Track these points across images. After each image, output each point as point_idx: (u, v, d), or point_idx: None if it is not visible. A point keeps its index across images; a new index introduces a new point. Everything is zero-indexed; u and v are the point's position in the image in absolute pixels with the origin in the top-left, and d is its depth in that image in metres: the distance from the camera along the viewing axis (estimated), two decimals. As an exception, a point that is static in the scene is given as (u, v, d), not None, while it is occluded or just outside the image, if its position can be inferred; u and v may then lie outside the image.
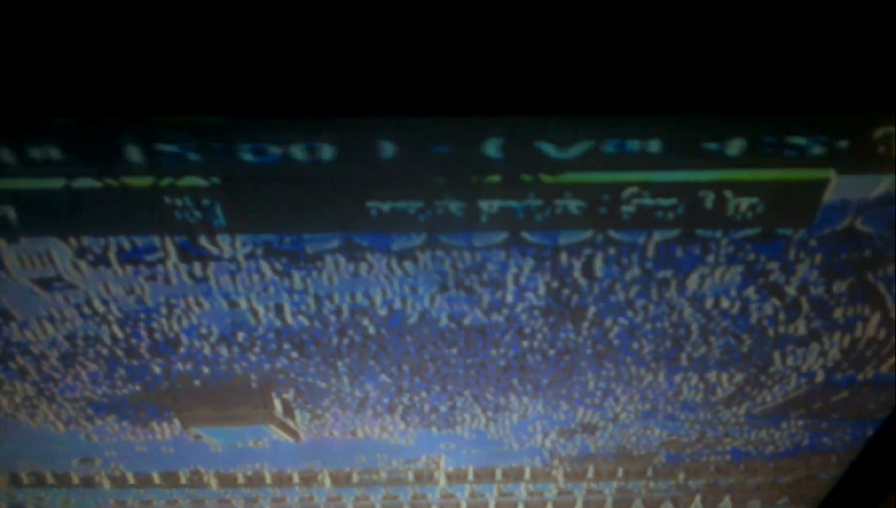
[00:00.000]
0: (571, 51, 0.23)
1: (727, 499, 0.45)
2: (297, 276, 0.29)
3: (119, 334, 0.32)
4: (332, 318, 0.31)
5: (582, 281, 0.30)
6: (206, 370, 0.34)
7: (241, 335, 0.32)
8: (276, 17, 0.22)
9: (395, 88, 0.23)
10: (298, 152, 0.25)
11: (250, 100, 0.24)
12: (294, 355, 0.33)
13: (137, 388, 0.35)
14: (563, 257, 0.29)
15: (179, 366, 0.34)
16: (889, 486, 0.44)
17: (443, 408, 0.36)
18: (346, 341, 0.32)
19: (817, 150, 0.25)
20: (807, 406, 0.37)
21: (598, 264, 0.29)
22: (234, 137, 0.24)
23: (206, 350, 0.33)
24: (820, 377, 0.35)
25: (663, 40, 0.23)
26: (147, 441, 0.38)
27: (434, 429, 0.38)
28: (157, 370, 0.34)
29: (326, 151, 0.25)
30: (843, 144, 0.25)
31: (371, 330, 0.32)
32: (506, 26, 0.22)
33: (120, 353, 0.32)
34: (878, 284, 0.30)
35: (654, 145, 0.25)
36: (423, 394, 0.36)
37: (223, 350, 0.33)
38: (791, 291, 0.30)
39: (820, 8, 0.23)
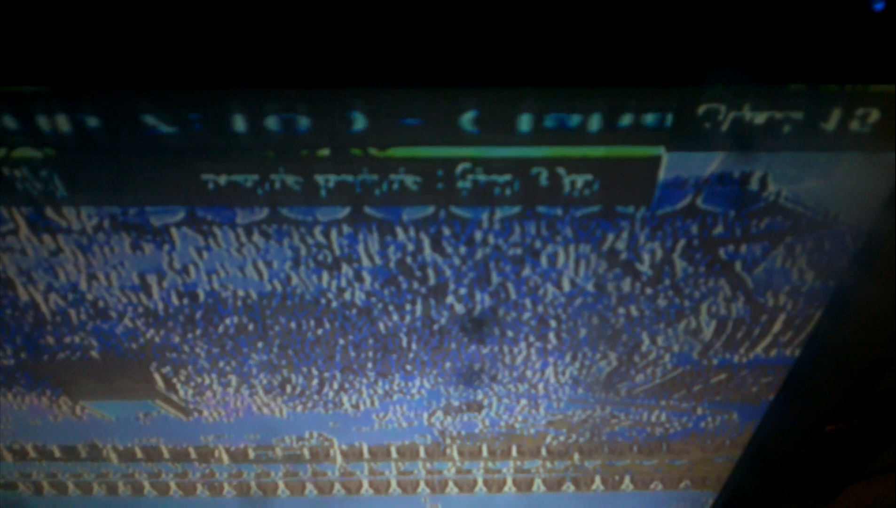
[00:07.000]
0: (380, 25, 0.23)
1: (627, 480, 0.45)
2: (148, 248, 0.29)
3: (-12, 305, 0.32)
4: (192, 293, 0.31)
5: (434, 257, 0.30)
6: (83, 343, 0.34)
7: (107, 309, 0.32)
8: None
9: (212, 60, 0.23)
10: (126, 123, 0.25)
11: (73, 69, 0.24)
12: (162, 330, 0.33)
13: (23, 357, 0.35)
14: (411, 232, 0.29)
15: (56, 339, 0.34)
16: (789, 470, 0.45)
17: (320, 385, 0.37)
18: (210, 316, 0.32)
19: (645, 127, 0.25)
20: (687, 388, 0.37)
21: (447, 240, 0.29)
22: (60, 107, 0.24)
23: (78, 324, 0.33)
24: (695, 359, 0.35)
25: (479, 12, 0.23)
26: (37, 414, 0.39)
27: (317, 407, 0.38)
28: (34, 342, 0.34)
29: (154, 123, 0.25)
30: (670, 120, 0.25)
31: (233, 305, 0.32)
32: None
33: (-11, 324, 0.33)
34: (733, 263, 0.30)
35: (469, 120, 0.25)
36: (301, 371, 0.36)
37: (95, 324, 0.33)
38: (645, 270, 0.30)
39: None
